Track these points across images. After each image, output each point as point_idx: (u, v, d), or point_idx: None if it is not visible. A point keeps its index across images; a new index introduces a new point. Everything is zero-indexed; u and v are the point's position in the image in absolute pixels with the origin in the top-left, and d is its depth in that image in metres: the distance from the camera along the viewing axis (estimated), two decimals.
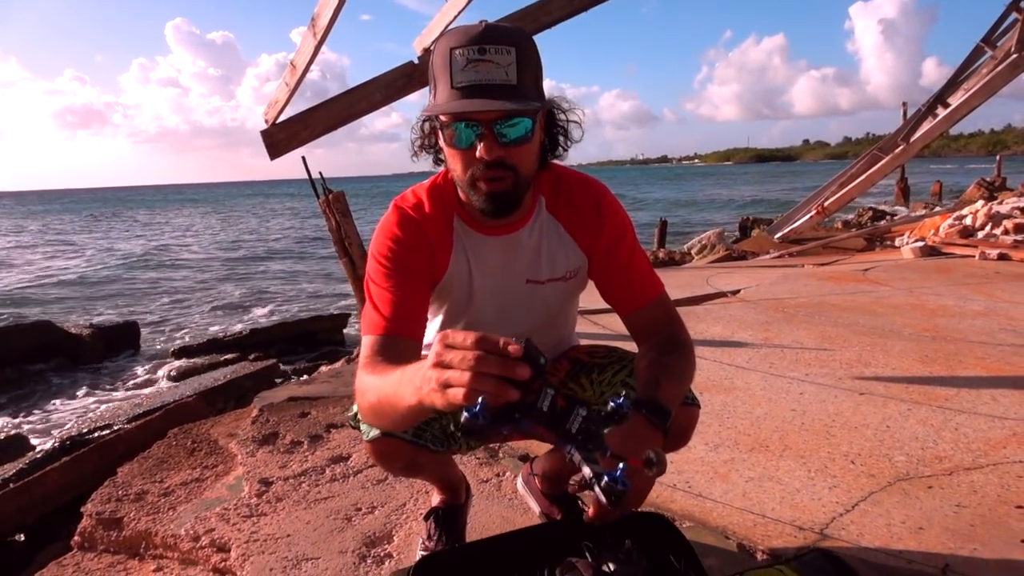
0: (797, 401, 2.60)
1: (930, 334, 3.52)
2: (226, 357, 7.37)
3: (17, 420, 6.22)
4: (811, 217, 9.42)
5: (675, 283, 5.26)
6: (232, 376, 4.78)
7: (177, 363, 7.86)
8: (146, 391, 6.79)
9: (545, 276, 1.31)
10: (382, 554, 1.72)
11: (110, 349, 8.51)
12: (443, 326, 1.42)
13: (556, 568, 1.16)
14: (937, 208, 12.81)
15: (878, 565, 1.32)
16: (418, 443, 1.27)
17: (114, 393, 7.11)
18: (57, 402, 6.82)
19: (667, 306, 1.33)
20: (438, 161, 1.26)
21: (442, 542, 1.59)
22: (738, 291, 4.99)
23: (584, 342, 1.57)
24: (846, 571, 1.22)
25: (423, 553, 1.60)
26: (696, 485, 1.96)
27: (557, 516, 1.70)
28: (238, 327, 9.68)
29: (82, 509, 2.14)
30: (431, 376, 0.78)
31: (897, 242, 7.82)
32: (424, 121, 1.21)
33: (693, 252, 10.78)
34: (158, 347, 9.23)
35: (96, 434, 3.73)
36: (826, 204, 9.25)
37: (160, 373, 7.63)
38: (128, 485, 2.28)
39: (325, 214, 3.92)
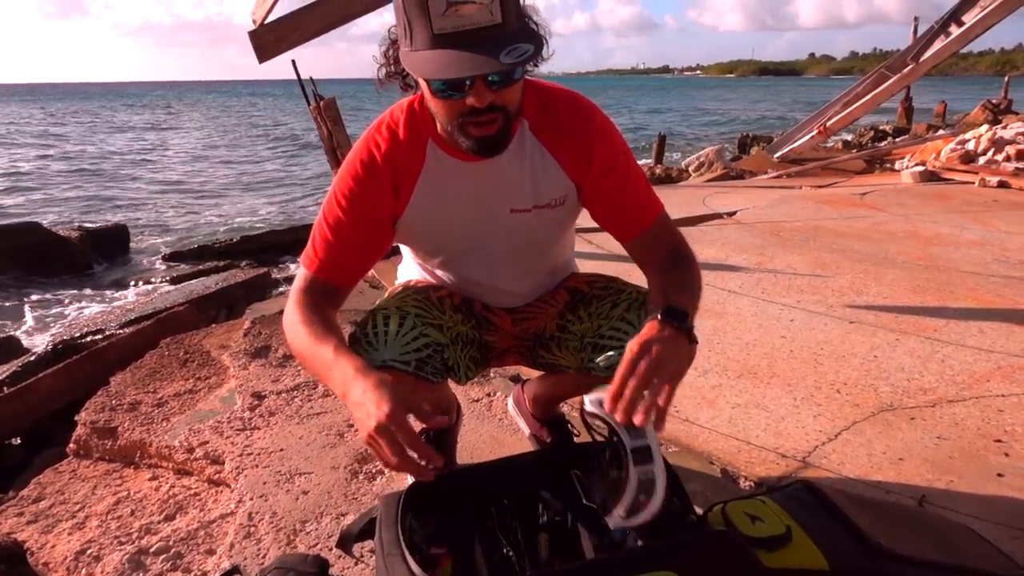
0: (787, 328, 2.62)
1: (924, 263, 3.52)
2: (216, 264, 7.33)
3: (6, 322, 6.21)
4: (812, 137, 9.23)
5: (671, 202, 5.16)
6: (223, 284, 4.76)
7: (167, 269, 7.83)
8: (136, 297, 6.78)
9: (530, 203, 1.24)
10: (374, 471, 1.76)
11: (99, 253, 8.41)
12: (421, 257, 1.39)
13: (545, 496, 1.19)
14: (940, 132, 12.59)
15: (856, 496, 1.35)
16: (419, 375, 1.25)
17: (105, 297, 7.10)
18: (46, 305, 6.80)
19: (667, 226, 1.28)
20: (407, 87, 1.19)
21: None
22: (734, 213, 4.94)
23: (579, 262, 1.55)
24: (827, 504, 1.25)
25: None
26: (683, 410, 1.99)
27: (546, 438, 1.73)
28: (227, 233, 9.59)
29: (76, 418, 2.17)
30: (362, 432, 0.96)
31: (897, 165, 7.72)
32: (391, 45, 1.13)
33: (690, 169, 10.62)
34: (147, 252, 9.15)
35: (88, 338, 3.74)
36: (828, 124, 9.04)
37: (150, 278, 7.60)
38: (122, 395, 2.30)
39: (316, 122, 3.79)
